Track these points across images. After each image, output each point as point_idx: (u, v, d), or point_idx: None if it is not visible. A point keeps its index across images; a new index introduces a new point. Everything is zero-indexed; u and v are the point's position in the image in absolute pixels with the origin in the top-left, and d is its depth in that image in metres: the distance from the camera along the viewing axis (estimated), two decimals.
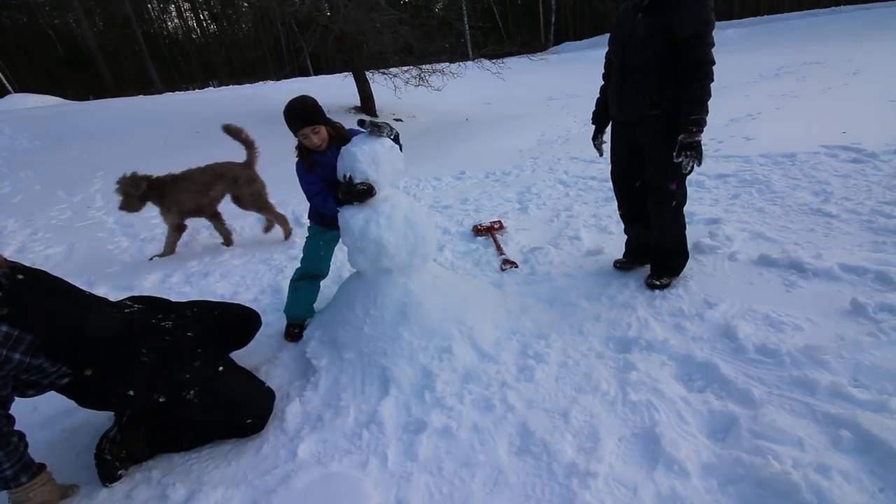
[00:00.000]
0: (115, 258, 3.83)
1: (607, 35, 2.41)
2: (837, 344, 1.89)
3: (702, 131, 2.06)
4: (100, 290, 3.22)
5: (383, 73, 8.94)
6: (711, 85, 2.05)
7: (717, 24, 2.05)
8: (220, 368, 1.88)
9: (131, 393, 1.67)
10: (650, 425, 1.63)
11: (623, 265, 2.74)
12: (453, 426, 1.73)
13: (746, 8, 27.31)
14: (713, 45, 2.03)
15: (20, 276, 1.51)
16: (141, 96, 13.73)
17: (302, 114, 2.10)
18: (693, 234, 3.07)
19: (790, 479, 1.34)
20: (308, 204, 2.41)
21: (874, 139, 4.25)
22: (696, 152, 2.06)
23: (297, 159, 2.27)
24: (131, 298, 2.01)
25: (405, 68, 8.82)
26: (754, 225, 3.07)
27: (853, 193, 3.34)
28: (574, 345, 2.13)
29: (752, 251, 2.72)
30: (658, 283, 2.46)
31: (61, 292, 1.64)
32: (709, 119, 2.08)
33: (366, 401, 1.92)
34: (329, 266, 2.61)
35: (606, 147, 2.61)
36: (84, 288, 1.74)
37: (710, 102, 2.08)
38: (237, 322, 2.18)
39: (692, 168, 2.10)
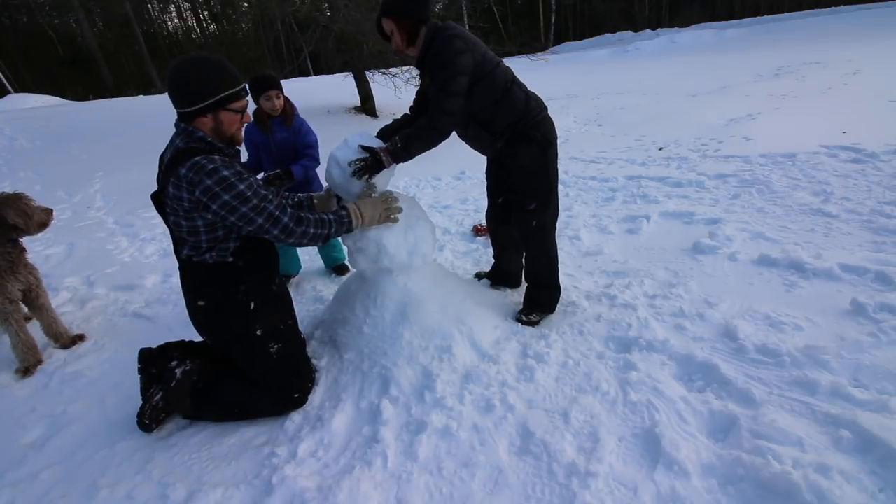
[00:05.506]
0: (115, 258, 3.83)
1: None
2: (837, 344, 1.90)
3: (393, 157, 1.94)
4: (100, 290, 3.22)
5: (383, 73, 8.91)
6: (436, 134, 1.92)
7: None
8: (303, 336, 2.09)
9: (253, 306, 1.80)
10: (650, 425, 1.63)
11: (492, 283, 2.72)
12: (453, 426, 1.73)
13: (746, 8, 27.31)
14: (454, 93, 1.87)
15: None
16: (141, 96, 13.71)
17: (271, 79, 2.57)
18: (693, 234, 3.08)
19: (790, 479, 1.34)
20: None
21: (874, 139, 4.26)
22: (370, 160, 1.92)
23: (250, 124, 2.46)
24: None
25: (405, 68, 8.79)
26: (754, 225, 3.07)
27: (853, 193, 3.34)
28: (574, 345, 2.13)
29: (752, 251, 2.72)
30: (525, 318, 2.30)
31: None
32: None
33: (366, 401, 1.92)
34: (299, 263, 2.66)
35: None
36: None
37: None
38: None
39: (357, 173, 1.93)
